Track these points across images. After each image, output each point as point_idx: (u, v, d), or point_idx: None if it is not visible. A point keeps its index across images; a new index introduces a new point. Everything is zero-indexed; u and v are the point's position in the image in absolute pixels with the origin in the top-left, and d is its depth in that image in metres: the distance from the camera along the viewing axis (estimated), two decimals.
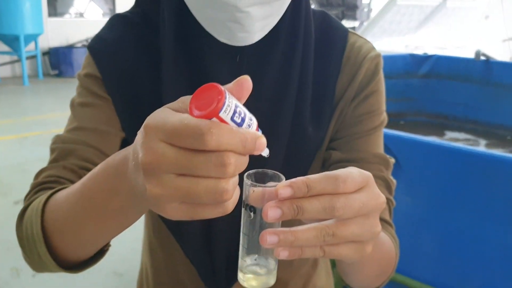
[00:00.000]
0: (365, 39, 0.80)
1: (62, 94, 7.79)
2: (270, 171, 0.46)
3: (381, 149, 0.78)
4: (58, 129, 5.53)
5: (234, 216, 0.71)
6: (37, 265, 0.65)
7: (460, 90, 3.31)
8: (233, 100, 0.39)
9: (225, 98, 0.38)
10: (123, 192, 0.47)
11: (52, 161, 0.71)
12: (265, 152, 0.41)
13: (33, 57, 8.95)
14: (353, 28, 8.37)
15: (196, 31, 0.69)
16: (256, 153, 0.40)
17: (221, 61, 0.69)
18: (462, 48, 5.34)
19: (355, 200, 0.42)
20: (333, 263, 1.20)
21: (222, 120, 0.38)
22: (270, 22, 0.67)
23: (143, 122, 0.42)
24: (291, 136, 0.73)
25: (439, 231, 1.60)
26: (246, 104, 0.49)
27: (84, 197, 0.54)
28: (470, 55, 3.28)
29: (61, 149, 0.71)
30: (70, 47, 9.38)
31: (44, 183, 0.69)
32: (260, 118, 0.68)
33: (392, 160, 0.78)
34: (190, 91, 0.68)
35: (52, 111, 6.59)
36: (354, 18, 8.56)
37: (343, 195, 0.42)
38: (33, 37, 8.44)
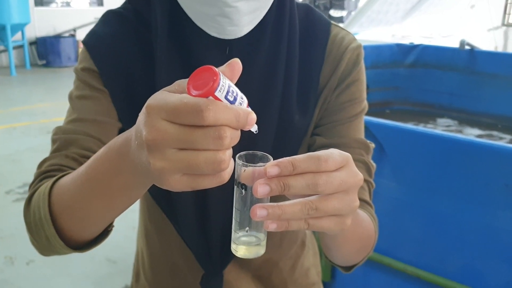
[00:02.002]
0: (346, 31, 0.84)
1: (50, 84, 7.73)
2: (259, 153, 0.51)
3: (362, 135, 0.83)
4: (47, 119, 5.54)
5: (228, 198, 0.76)
6: (44, 248, 0.69)
7: (445, 79, 3.36)
8: (226, 81, 0.43)
9: (220, 79, 0.42)
10: (126, 171, 0.51)
11: (54, 151, 0.74)
12: (254, 128, 0.46)
13: (20, 47, 8.87)
14: (341, 17, 8.38)
15: (187, 26, 0.72)
16: (247, 128, 0.44)
17: (211, 54, 0.73)
18: (448, 37, 5.39)
19: (335, 177, 0.47)
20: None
21: (217, 99, 0.42)
22: (257, 15, 0.71)
23: (139, 113, 0.45)
24: (279, 124, 0.77)
25: (422, 214, 1.66)
26: None
27: (89, 178, 0.57)
28: (456, 44, 3.33)
29: (63, 139, 0.74)
30: (57, 37, 9.30)
31: (48, 172, 0.72)
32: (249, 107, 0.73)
33: (372, 145, 0.83)
34: (182, 73, 0.72)
35: (41, 101, 6.56)
36: (341, 7, 8.57)
37: (324, 173, 0.47)
38: (19, 27, 8.36)
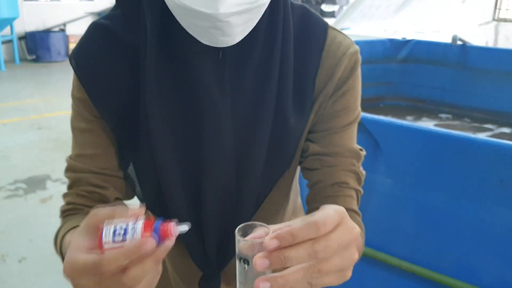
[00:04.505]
0: (344, 34, 0.82)
1: (40, 79, 7.67)
2: (257, 223, 0.52)
3: (354, 142, 0.84)
4: (37, 115, 5.50)
5: (222, 202, 0.76)
6: None
7: (437, 74, 3.37)
8: (112, 225, 0.49)
9: (102, 231, 0.48)
10: None
11: (69, 188, 0.83)
12: (183, 229, 0.52)
13: (9, 41, 8.77)
14: (333, 12, 8.39)
15: (179, 32, 0.70)
16: (165, 241, 0.50)
17: (204, 58, 0.71)
18: (439, 32, 5.41)
19: (333, 240, 0.48)
20: None
21: (109, 248, 0.48)
22: (250, 25, 0.69)
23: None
24: (274, 128, 0.76)
25: (417, 210, 1.66)
26: (230, 99, 0.62)
27: None
28: (448, 39, 3.33)
29: (72, 178, 0.82)
30: (47, 32, 9.21)
31: (66, 211, 0.82)
32: (243, 111, 0.72)
33: (364, 153, 0.85)
34: (173, 88, 0.72)
35: (31, 97, 6.50)
36: (333, 2, 8.58)
37: (323, 238, 0.48)
38: (8, 21, 8.26)
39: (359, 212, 0.83)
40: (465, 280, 1.57)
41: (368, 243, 1.75)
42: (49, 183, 3.71)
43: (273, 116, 0.75)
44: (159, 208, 0.81)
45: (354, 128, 0.84)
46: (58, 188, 3.60)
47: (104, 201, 0.81)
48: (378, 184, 1.71)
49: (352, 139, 0.83)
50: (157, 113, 0.72)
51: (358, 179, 0.83)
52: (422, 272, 1.65)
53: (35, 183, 3.71)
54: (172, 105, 0.73)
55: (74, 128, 0.82)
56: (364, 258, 1.78)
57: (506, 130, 3.09)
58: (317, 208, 0.81)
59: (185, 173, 0.75)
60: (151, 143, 0.73)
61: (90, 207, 0.78)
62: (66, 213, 0.82)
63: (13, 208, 3.32)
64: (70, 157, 0.83)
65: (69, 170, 0.83)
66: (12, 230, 3.04)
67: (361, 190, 0.84)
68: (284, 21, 0.76)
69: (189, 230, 0.80)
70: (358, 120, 0.84)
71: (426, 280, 1.65)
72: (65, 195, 0.84)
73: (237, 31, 0.66)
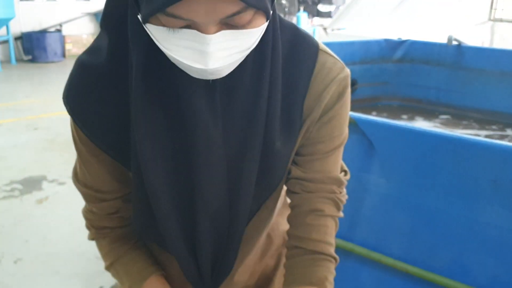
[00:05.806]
0: (334, 57, 0.81)
1: (36, 80, 7.65)
2: None
3: (337, 168, 0.85)
4: (33, 115, 5.50)
5: (216, 227, 0.78)
6: None
7: (433, 74, 3.39)
8: None
9: None
10: None
11: (85, 200, 0.90)
12: None
13: (5, 42, 8.75)
14: (329, 12, 8.39)
15: (167, 61, 0.67)
16: None
17: (194, 84, 0.69)
18: (436, 32, 5.42)
19: None
20: None
21: None
22: (239, 62, 0.67)
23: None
24: (262, 151, 0.75)
25: (411, 210, 1.67)
26: (222, 122, 0.68)
27: None
28: (444, 39, 3.34)
29: (83, 194, 0.88)
30: (43, 32, 9.19)
31: (101, 234, 0.92)
32: (234, 134, 0.73)
33: (347, 177, 0.87)
34: (163, 115, 0.71)
35: (27, 98, 6.49)
36: (330, 2, 8.59)
37: None
38: (4, 22, 8.24)
39: (332, 243, 0.85)
40: (459, 280, 1.58)
41: (362, 243, 1.76)
42: (45, 184, 3.70)
43: (262, 138, 0.75)
44: (153, 233, 0.82)
45: (339, 153, 0.85)
46: (54, 189, 3.59)
47: (124, 220, 0.90)
48: (372, 184, 1.71)
49: (335, 165, 0.85)
50: (147, 140, 0.71)
51: (337, 206, 0.85)
52: (416, 271, 1.66)
53: (31, 184, 3.70)
54: (163, 133, 0.71)
55: (77, 149, 0.83)
56: (358, 258, 1.79)
57: (506, 131, 3.10)
58: (296, 236, 0.86)
59: (177, 197, 0.75)
60: (142, 169, 0.72)
61: (119, 227, 0.91)
62: (103, 236, 0.92)
63: (9, 209, 3.31)
64: (78, 182, 0.86)
65: (78, 186, 0.87)
66: (7, 231, 3.04)
67: (341, 214, 0.87)
68: (273, 45, 0.74)
69: (183, 250, 0.81)
70: (344, 143, 0.85)
71: (420, 279, 1.66)
72: (85, 209, 0.91)
73: (226, 71, 0.65)
